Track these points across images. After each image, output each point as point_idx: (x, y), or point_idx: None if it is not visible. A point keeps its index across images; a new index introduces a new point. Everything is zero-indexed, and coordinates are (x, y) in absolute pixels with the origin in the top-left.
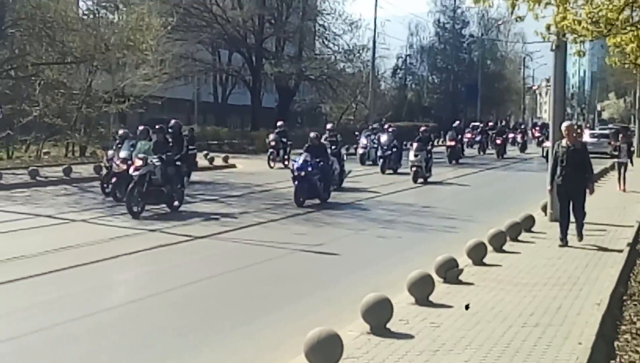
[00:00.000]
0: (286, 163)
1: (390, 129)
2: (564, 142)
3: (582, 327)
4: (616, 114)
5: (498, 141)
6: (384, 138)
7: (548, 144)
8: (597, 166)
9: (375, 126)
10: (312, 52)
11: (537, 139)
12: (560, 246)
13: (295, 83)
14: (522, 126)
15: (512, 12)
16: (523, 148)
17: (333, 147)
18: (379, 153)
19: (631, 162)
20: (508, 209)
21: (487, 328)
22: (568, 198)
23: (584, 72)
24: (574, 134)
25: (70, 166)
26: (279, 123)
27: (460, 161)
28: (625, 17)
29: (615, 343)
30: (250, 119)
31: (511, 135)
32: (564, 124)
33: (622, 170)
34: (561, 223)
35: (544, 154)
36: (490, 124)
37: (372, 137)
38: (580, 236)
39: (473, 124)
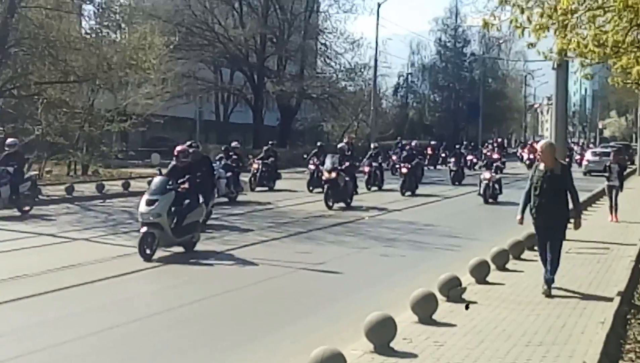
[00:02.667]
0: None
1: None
2: (541, 165)
3: (587, 345)
4: (618, 132)
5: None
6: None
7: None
8: (597, 185)
9: (376, 145)
10: (314, 71)
11: (528, 161)
12: (547, 295)
13: (297, 101)
14: (471, 145)
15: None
16: (455, 178)
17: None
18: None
19: (621, 187)
20: (511, 227)
21: (491, 347)
22: (545, 233)
23: (585, 90)
24: (552, 156)
25: (73, 184)
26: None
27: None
28: (631, 39)
29: (620, 362)
30: (252, 138)
31: (469, 156)
32: (540, 143)
33: (613, 195)
34: (543, 263)
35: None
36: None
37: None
38: (548, 285)
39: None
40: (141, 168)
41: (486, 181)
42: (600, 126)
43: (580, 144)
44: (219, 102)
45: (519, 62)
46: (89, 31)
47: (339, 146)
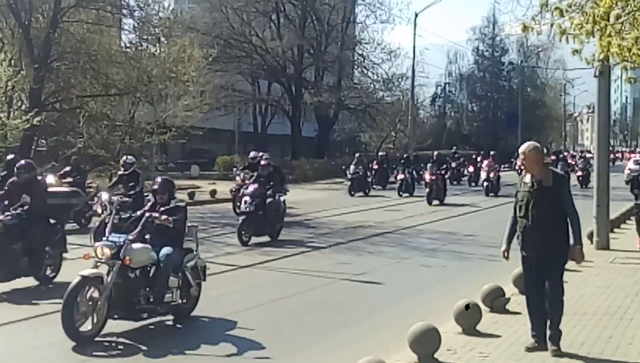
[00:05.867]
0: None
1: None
2: (527, 177)
3: (635, 357)
4: None
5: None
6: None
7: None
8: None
9: (411, 154)
10: (351, 82)
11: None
12: (529, 349)
13: (334, 112)
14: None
15: (562, 40)
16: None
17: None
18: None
19: None
20: None
21: (536, 358)
22: (537, 270)
23: (626, 98)
24: (540, 162)
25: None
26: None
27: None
28: None
29: None
30: (290, 149)
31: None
32: (522, 147)
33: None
34: (530, 312)
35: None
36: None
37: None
38: (554, 343)
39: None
40: (181, 180)
41: None
42: None
43: (580, 154)
44: (256, 114)
45: (558, 71)
46: (129, 45)
47: (379, 153)
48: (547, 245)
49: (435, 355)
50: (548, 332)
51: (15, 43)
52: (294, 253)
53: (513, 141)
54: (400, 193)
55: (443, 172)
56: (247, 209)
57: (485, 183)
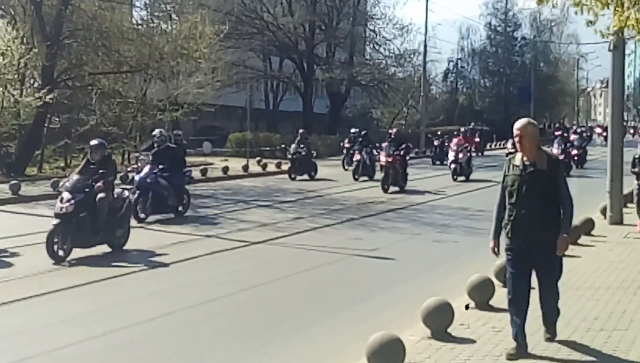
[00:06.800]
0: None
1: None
2: (517, 158)
3: None
4: None
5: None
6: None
7: None
8: None
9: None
10: (363, 58)
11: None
12: (511, 356)
13: (346, 89)
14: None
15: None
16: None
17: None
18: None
19: None
20: None
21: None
22: (525, 262)
23: None
24: (535, 143)
25: (128, 173)
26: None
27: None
28: None
29: None
30: (302, 125)
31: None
32: (517, 124)
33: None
34: (512, 309)
35: None
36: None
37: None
38: (551, 330)
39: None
40: (193, 157)
41: None
42: None
43: (575, 129)
44: (268, 91)
45: (571, 46)
46: (140, 22)
47: (391, 130)
48: (539, 235)
49: (449, 330)
50: (544, 321)
51: (27, 20)
52: (307, 229)
53: (526, 116)
54: (357, 177)
55: (402, 153)
56: None
57: (453, 165)
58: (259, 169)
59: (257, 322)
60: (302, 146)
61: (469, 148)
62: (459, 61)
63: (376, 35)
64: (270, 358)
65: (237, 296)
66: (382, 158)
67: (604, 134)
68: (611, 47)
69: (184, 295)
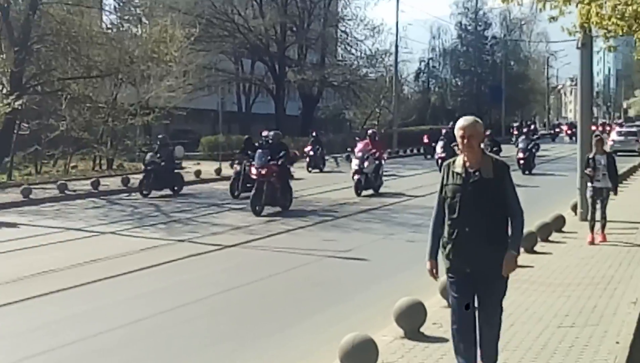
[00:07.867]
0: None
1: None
2: (458, 165)
3: (619, 326)
4: None
5: None
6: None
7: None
8: (624, 165)
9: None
10: (335, 59)
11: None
12: None
13: (318, 90)
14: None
15: (540, 10)
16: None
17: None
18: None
19: (614, 190)
20: (537, 210)
21: (522, 330)
22: (470, 286)
23: (609, 70)
24: (479, 145)
25: (98, 179)
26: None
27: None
28: None
29: None
30: (275, 127)
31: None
32: (461, 122)
33: (598, 203)
34: (458, 337)
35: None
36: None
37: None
38: None
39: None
40: None
41: None
42: (624, 106)
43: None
44: (240, 93)
45: (541, 44)
46: (110, 26)
47: (368, 131)
48: (484, 255)
49: (422, 329)
50: (480, 352)
51: None
52: (280, 232)
53: (497, 115)
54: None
55: (279, 163)
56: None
57: (356, 176)
58: (231, 172)
59: (231, 325)
60: (158, 155)
61: (377, 155)
62: (431, 61)
63: (347, 36)
64: (244, 362)
65: (211, 299)
66: (253, 171)
67: (569, 132)
68: (579, 45)
69: (157, 299)
